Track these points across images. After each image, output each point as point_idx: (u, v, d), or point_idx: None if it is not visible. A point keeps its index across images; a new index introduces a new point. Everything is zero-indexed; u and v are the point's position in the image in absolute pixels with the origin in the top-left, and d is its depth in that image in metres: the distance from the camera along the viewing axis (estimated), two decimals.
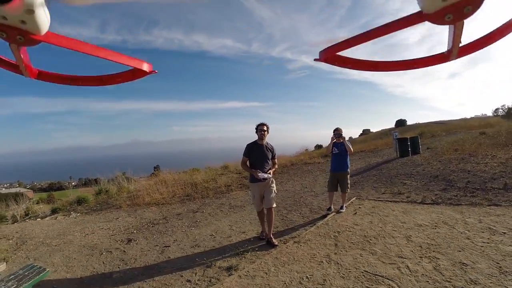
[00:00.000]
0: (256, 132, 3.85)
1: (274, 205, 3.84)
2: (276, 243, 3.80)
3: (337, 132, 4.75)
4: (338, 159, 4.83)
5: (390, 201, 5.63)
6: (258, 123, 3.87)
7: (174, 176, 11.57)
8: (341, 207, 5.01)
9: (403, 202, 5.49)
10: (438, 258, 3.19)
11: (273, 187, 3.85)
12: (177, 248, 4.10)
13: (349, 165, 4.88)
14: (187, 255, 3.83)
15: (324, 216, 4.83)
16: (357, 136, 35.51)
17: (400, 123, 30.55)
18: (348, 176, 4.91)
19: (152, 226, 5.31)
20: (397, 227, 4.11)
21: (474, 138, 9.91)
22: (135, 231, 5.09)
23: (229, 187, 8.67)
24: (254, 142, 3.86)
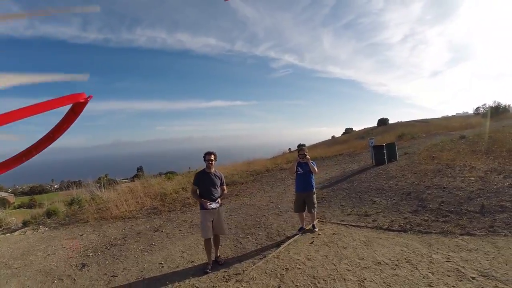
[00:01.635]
0: (204, 160, 3.93)
1: (226, 233, 4.22)
2: (222, 261, 4.00)
3: (302, 152, 4.69)
4: (302, 179, 4.73)
5: (354, 226, 4.94)
6: (206, 152, 3.98)
7: (145, 185, 11.17)
8: (313, 226, 4.82)
9: (368, 228, 4.79)
10: None
11: (222, 214, 4.00)
12: (123, 279, 3.98)
13: (314, 185, 4.78)
14: None
15: (278, 245, 4.42)
16: (340, 135, 35.17)
17: (382, 122, 30.26)
18: (314, 195, 4.78)
19: (109, 248, 5.18)
20: (352, 265, 3.56)
21: (454, 143, 9.30)
22: (92, 254, 5.00)
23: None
24: (203, 171, 3.97)
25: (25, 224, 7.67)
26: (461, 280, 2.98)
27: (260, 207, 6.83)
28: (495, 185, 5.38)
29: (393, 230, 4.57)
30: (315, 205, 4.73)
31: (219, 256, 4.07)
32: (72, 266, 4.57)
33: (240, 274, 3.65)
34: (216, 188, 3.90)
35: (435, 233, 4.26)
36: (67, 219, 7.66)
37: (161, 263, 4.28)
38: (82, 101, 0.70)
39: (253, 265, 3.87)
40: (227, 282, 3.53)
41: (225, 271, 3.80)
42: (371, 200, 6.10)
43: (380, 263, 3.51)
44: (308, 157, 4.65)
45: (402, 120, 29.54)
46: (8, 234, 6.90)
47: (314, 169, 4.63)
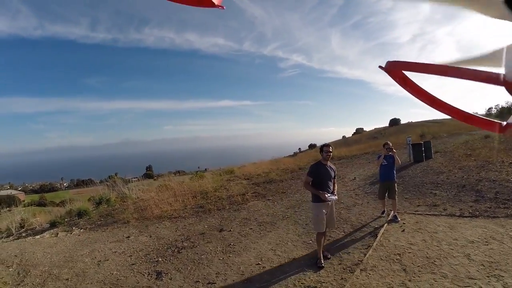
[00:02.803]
0: (321, 152, 4.03)
1: (335, 226, 4.47)
2: (330, 256, 4.09)
3: (388, 146, 5.40)
4: (387, 170, 5.45)
5: (430, 215, 5.84)
6: (322, 144, 4.12)
7: (180, 183, 11.36)
8: (395, 217, 5.44)
9: (443, 216, 5.72)
10: (503, 276, 3.42)
11: (334, 207, 4.13)
12: (225, 285, 3.62)
13: (395, 175, 5.55)
14: None
15: (374, 236, 4.82)
16: (351, 135, 35.71)
17: (394, 122, 30.76)
18: (396, 184, 5.57)
19: (179, 252, 4.73)
20: (452, 245, 4.24)
21: (482, 142, 10.40)
22: (159, 259, 4.52)
23: (243, 196, 8.13)
24: (319, 163, 4.01)
25: (52, 224, 7.21)
26: None
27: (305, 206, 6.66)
28: None
29: (466, 217, 5.57)
30: (396, 193, 5.56)
31: (325, 250, 4.14)
32: (144, 274, 4.06)
33: (358, 264, 3.81)
34: (331, 181, 3.94)
35: (502, 217, 5.31)
36: (102, 219, 7.33)
37: (259, 263, 4.10)
38: (215, 2, 0.59)
39: (363, 255, 4.01)
40: (352, 273, 3.63)
41: (340, 264, 3.87)
42: (431, 193, 7.11)
43: (473, 241, 4.20)
44: (394, 150, 5.38)
45: (413, 121, 30.44)
46: (38, 237, 6.43)
47: (398, 161, 5.49)
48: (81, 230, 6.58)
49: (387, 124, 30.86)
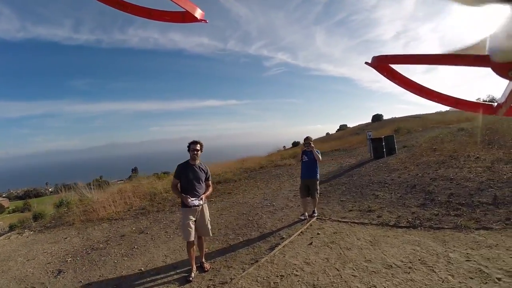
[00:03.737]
0: (188, 151, 3.48)
1: (211, 234, 3.69)
2: (208, 268, 3.55)
3: (307, 141, 4.87)
4: (307, 166, 4.89)
5: (357, 223, 4.50)
6: (191, 141, 3.50)
7: (135, 185, 10.70)
8: (313, 211, 5.01)
9: (373, 225, 4.37)
10: None
11: (207, 213, 3.56)
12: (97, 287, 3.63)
13: (318, 172, 4.92)
14: None
15: (272, 248, 3.94)
16: (334, 131, 35.04)
17: (377, 118, 30.36)
18: (317, 182, 4.93)
19: (89, 253, 4.85)
20: (359, 269, 3.12)
21: (453, 135, 9.02)
22: (69, 259, 4.71)
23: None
24: (186, 163, 3.49)
25: (11, 228, 7.62)
26: (486, 283, 2.60)
27: (253, 205, 6.43)
28: (505, 175, 5.06)
29: (401, 227, 4.17)
30: (318, 191, 4.91)
31: (204, 261, 3.61)
32: (48, 272, 4.32)
33: (227, 283, 3.21)
34: (200, 183, 3.44)
35: (448, 228, 3.89)
36: (53, 222, 7.40)
37: (141, 269, 3.92)
38: (197, 16, 0.53)
39: (243, 271, 3.41)
40: None
41: (210, 279, 3.36)
42: (373, 195, 5.70)
43: (391, 266, 3.09)
44: (312, 145, 4.79)
45: (397, 116, 29.65)
46: None
47: (318, 157, 4.78)
48: (31, 232, 6.80)
49: (369, 120, 30.28)
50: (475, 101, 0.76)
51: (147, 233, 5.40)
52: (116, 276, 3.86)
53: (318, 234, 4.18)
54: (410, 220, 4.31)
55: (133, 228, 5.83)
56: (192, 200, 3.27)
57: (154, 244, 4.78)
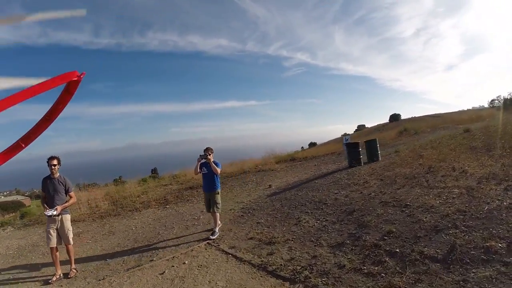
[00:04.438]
0: (48, 166, 3.64)
1: (71, 243, 3.73)
2: (71, 275, 3.60)
3: (205, 153, 4.50)
4: (206, 179, 4.60)
5: (237, 258, 3.25)
6: (49, 157, 3.66)
7: (118, 189, 10.46)
8: (212, 233, 4.42)
9: (250, 264, 3.04)
10: None
11: (66, 223, 3.67)
12: None
13: (218, 185, 4.59)
14: None
15: (130, 268, 3.60)
16: (352, 132, 32.47)
17: (394, 117, 28.15)
18: (218, 195, 4.56)
19: (27, 249, 5.04)
20: None
21: (453, 138, 6.86)
22: (12, 252, 4.99)
23: (148, 203, 7.82)
24: (48, 177, 3.68)
25: (1, 224, 8.09)
26: None
27: (184, 215, 6.03)
28: (488, 203, 3.16)
29: (280, 277, 2.65)
30: (218, 205, 4.53)
31: (72, 268, 3.70)
32: None
33: None
34: (59, 195, 3.63)
35: None
36: (33, 220, 7.76)
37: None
38: (75, 79, 0.31)
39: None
40: None
41: (68, 284, 3.37)
42: (297, 219, 4.17)
43: None
44: (209, 157, 4.40)
45: (416, 115, 26.47)
46: None
47: (216, 169, 4.44)
48: (12, 229, 7.16)
49: (387, 120, 27.57)
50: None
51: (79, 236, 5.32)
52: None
53: (184, 263, 3.43)
54: (299, 269, 2.74)
55: (80, 230, 5.89)
56: (48, 211, 3.47)
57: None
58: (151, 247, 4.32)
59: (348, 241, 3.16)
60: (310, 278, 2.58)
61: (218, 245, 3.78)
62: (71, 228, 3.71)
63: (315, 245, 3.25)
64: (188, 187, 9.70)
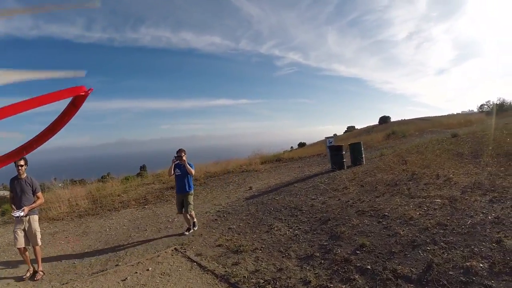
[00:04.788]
0: (15, 167, 3.52)
1: (39, 244, 3.63)
2: (38, 278, 3.47)
3: (178, 154, 4.50)
4: (180, 180, 4.58)
5: (201, 266, 3.05)
6: (16, 160, 3.41)
7: (99, 187, 10.38)
8: (187, 229, 4.55)
9: (214, 275, 2.85)
10: None
11: (34, 224, 3.57)
12: None
13: (191, 186, 4.61)
14: None
15: (97, 272, 3.42)
16: (342, 133, 32.49)
17: (383, 119, 28.18)
18: (191, 196, 4.57)
19: None
20: None
21: (440, 143, 6.66)
22: None
23: (127, 203, 7.57)
24: (15, 177, 3.59)
25: None
26: None
27: (160, 216, 5.76)
28: (471, 217, 2.90)
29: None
30: (191, 206, 4.51)
31: (39, 270, 3.56)
32: None
33: None
34: (26, 195, 3.55)
35: None
36: (12, 218, 7.06)
37: None
38: (83, 94, 0.43)
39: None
40: None
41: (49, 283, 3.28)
42: (270, 225, 3.88)
43: None
44: (184, 159, 4.41)
45: (406, 118, 26.71)
46: None
47: (190, 170, 4.47)
48: None
49: (377, 122, 27.66)
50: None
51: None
52: None
53: (147, 270, 3.23)
54: (262, 283, 2.43)
55: (55, 230, 5.65)
56: (15, 212, 3.38)
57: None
58: (120, 250, 4.16)
59: (318, 254, 2.85)
60: None
61: (185, 251, 3.54)
62: (39, 229, 3.66)
63: (283, 256, 2.94)
64: (170, 186, 9.42)
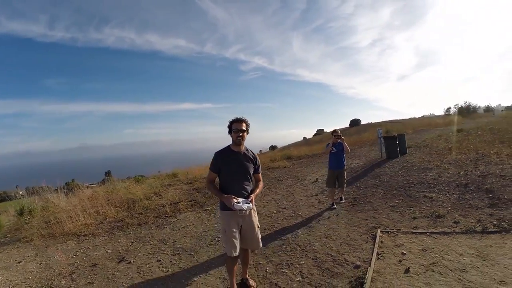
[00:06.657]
0: (230, 132, 2.54)
1: (261, 246, 2.71)
2: (254, 285, 2.78)
3: (336, 134, 5.17)
4: (336, 157, 5.15)
5: (439, 234, 3.71)
6: (233, 118, 2.56)
7: (110, 190, 9.08)
8: (341, 198, 5.51)
9: (459, 234, 3.66)
10: None
11: (256, 219, 2.63)
12: None
13: (345, 163, 5.31)
14: None
15: (355, 285, 2.71)
16: (311, 136, 35.47)
17: (355, 122, 31.21)
18: (345, 172, 5.35)
19: None
20: None
21: (458, 136, 9.09)
22: None
23: (176, 205, 6.52)
24: (227, 149, 2.58)
25: None
26: None
27: (271, 217, 5.09)
28: None
29: (491, 232, 3.59)
30: (346, 181, 5.39)
31: (248, 278, 2.84)
32: None
33: None
34: (248, 177, 2.54)
35: None
36: (8, 236, 5.85)
37: None
38: None
39: None
40: None
41: None
42: (425, 197, 5.11)
43: None
44: (342, 137, 5.13)
45: (372, 121, 30.93)
46: None
47: (347, 148, 5.16)
48: None
49: (347, 125, 31.18)
50: None
51: (130, 261, 3.84)
52: None
53: (403, 253, 3.18)
54: (496, 223, 3.77)
55: (109, 251, 4.33)
56: (237, 202, 2.33)
57: (146, 285, 3.17)
58: (309, 256, 3.44)
59: (496, 201, 4.36)
60: (509, 227, 3.64)
61: (397, 227, 4.34)
62: (259, 225, 2.87)
63: (475, 209, 4.31)
64: (198, 187, 8.56)
